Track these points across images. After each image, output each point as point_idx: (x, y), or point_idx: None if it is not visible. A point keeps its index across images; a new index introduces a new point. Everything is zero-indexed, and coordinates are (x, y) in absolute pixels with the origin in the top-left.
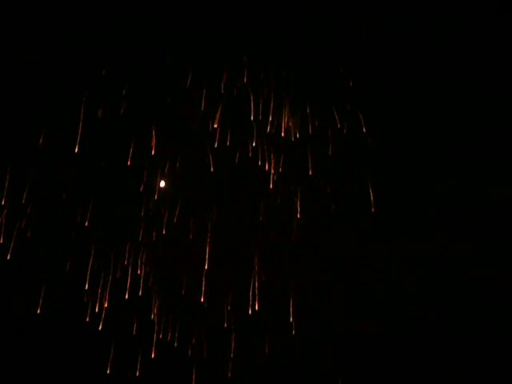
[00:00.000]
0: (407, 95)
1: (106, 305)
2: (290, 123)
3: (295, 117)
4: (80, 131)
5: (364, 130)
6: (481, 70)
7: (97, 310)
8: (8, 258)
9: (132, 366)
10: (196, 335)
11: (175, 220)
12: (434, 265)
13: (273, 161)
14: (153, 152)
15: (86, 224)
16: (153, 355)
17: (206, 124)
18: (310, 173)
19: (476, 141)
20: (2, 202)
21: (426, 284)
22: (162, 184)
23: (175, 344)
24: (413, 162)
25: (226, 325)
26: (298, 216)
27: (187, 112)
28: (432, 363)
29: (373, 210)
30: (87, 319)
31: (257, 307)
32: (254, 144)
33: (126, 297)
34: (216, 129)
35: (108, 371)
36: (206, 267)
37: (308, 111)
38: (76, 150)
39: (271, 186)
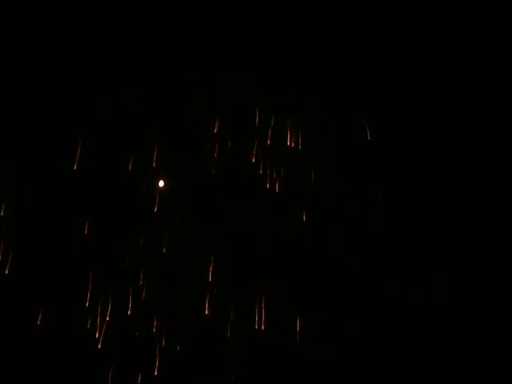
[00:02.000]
0: (413, 99)
1: (107, 318)
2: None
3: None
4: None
5: (369, 137)
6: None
7: (98, 323)
8: (6, 272)
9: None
10: (199, 346)
11: (176, 229)
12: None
13: (275, 171)
14: (154, 159)
15: (86, 232)
16: (156, 372)
17: (206, 129)
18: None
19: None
20: (1, 213)
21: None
22: (161, 184)
23: (178, 353)
24: (418, 168)
25: (229, 334)
26: (304, 219)
27: (188, 117)
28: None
29: (377, 213)
30: (87, 332)
31: (263, 326)
32: (254, 151)
33: (129, 312)
34: (216, 135)
35: None
36: (209, 279)
37: (310, 117)
38: (76, 158)
39: (277, 189)
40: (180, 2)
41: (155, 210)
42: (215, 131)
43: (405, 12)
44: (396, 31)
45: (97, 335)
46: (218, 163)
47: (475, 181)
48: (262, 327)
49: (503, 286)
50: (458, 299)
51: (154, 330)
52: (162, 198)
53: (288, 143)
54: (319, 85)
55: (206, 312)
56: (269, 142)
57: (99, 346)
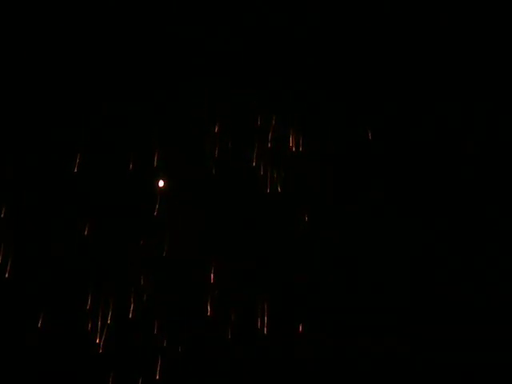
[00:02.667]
0: (414, 100)
1: (108, 321)
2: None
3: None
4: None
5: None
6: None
7: (99, 326)
8: (6, 276)
9: None
10: (201, 349)
11: (177, 230)
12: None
13: (275, 172)
14: (154, 159)
15: (86, 234)
16: (157, 376)
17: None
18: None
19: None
20: (1, 215)
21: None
22: (161, 184)
23: (179, 356)
24: (422, 170)
25: (231, 337)
26: (306, 220)
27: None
28: None
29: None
30: (88, 335)
31: (265, 328)
32: (255, 153)
33: (130, 315)
34: (216, 135)
35: None
36: (211, 281)
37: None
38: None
39: (279, 190)
40: (181, 3)
41: (156, 211)
42: (215, 131)
43: (404, 13)
44: (397, 32)
45: (97, 339)
46: (219, 163)
47: (477, 181)
48: (265, 330)
49: (503, 286)
50: (457, 299)
51: (155, 332)
52: (162, 200)
53: (289, 145)
54: (319, 85)
55: (208, 314)
56: (269, 145)
57: (100, 350)
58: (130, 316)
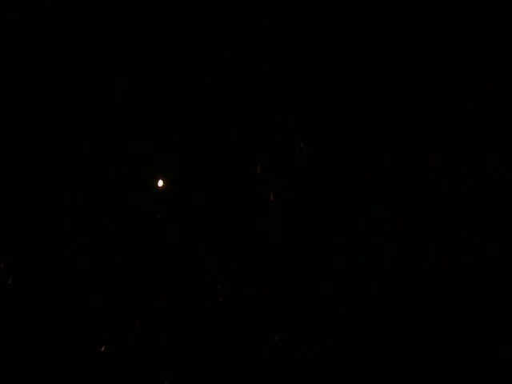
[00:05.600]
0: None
1: (113, 325)
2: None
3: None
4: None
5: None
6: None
7: (102, 331)
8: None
9: None
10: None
11: (182, 231)
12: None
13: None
14: (154, 160)
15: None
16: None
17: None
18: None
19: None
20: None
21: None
22: (161, 183)
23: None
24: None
25: (241, 342)
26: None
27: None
28: None
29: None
30: (92, 341)
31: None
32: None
33: (136, 322)
34: (217, 136)
35: None
36: (218, 285)
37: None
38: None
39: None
40: (181, 3)
41: (159, 212)
42: (216, 132)
43: (411, 15)
44: (403, 34)
45: (102, 344)
46: (220, 164)
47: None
48: (276, 336)
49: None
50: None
51: (160, 336)
52: (164, 201)
53: (292, 147)
54: (322, 86)
55: (215, 318)
56: (271, 146)
57: (105, 356)
58: (136, 322)
